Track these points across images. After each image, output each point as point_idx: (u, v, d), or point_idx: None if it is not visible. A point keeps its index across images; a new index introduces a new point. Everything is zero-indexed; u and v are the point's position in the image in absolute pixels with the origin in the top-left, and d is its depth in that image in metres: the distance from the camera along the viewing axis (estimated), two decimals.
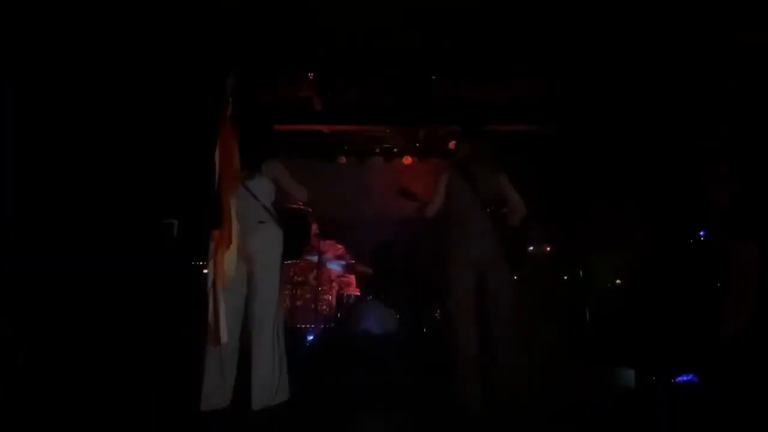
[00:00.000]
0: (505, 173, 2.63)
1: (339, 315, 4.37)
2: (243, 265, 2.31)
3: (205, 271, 1.76)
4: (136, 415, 2.02)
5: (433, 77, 4.55)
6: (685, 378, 2.06)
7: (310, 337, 4.14)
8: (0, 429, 1.69)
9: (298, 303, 4.97)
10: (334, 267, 4.99)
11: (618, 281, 3.57)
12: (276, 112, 4.85)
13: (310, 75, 4.44)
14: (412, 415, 2.30)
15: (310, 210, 5.79)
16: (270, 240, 2.36)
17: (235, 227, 1.63)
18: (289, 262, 3.49)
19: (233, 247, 1.62)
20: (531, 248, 3.91)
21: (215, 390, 2.12)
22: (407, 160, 5.85)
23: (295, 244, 2.63)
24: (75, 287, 3.09)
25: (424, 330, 4.08)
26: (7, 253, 2.82)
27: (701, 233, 2.91)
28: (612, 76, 3.87)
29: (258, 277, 2.29)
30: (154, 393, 2.22)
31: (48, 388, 2.21)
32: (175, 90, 3.84)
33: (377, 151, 5.90)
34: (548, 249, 4.04)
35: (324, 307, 4.75)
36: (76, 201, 3.47)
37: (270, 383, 2.26)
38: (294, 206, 5.82)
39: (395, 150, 5.90)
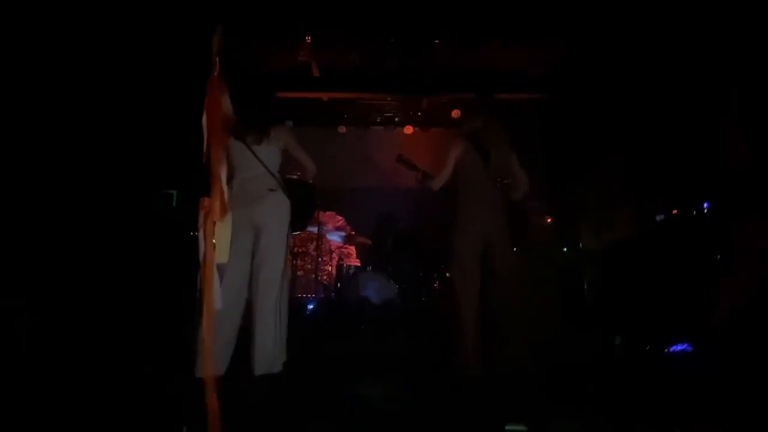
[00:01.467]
0: (515, 146, 2.60)
1: (339, 285, 4.39)
2: (249, 233, 2.30)
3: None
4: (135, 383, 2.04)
5: (437, 41, 4.37)
6: (679, 347, 2.07)
7: (310, 307, 4.18)
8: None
9: (300, 273, 5.01)
10: (335, 238, 5.00)
11: (616, 253, 3.54)
12: (272, 77, 4.71)
13: (308, 39, 4.27)
14: (408, 383, 2.33)
15: (311, 181, 5.73)
16: (279, 208, 2.33)
17: (226, 194, 1.57)
18: (294, 233, 3.50)
19: (228, 216, 1.57)
20: (532, 219, 3.85)
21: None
22: (409, 129, 5.72)
23: (301, 215, 2.58)
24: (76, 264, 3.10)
25: (423, 300, 4.10)
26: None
27: (705, 205, 2.85)
28: (622, 39, 3.69)
29: (265, 245, 2.27)
30: (154, 359, 2.26)
31: (50, 358, 2.24)
32: (164, 54, 3.69)
33: (378, 120, 5.76)
34: (549, 220, 3.99)
35: (324, 277, 4.78)
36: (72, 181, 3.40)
37: (272, 350, 2.25)
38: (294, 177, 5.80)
39: (397, 119, 5.76)
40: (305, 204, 2.59)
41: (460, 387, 2.25)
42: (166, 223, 4.26)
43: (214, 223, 1.53)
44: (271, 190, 2.31)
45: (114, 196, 3.85)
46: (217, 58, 1.59)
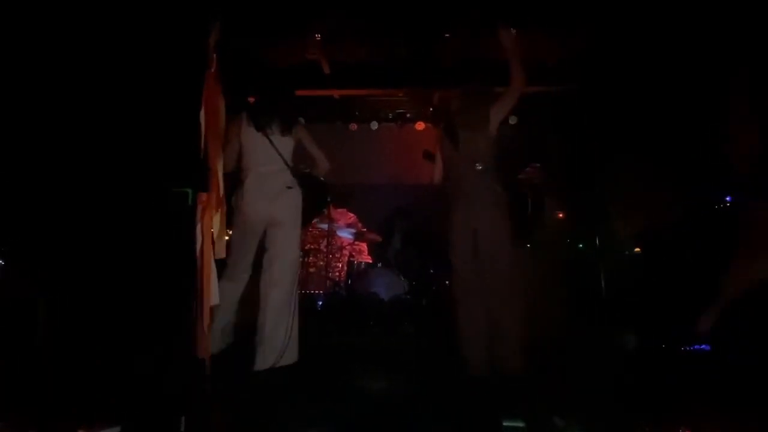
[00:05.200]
0: (494, 129, 2.38)
1: (349, 281, 4.41)
2: (261, 227, 2.34)
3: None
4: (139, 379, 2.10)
5: (447, 35, 4.31)
6: (696, 347, 1.98)
7: (321, 302, 4.21)
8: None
9: (311, 270, 5.05)
10: (346, 235, 5.01)
11: (636, 249, 3.42)
12: (282, 74, 4.74)
13: (317, 36, 4.27)
14: (415, 377, 2.32)
15: (322, 177, 5.75)
16: (294, 205, 2.38)
17: (221, 189, 1.59)
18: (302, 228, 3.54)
19: (221, 211, 1.59)
20: (543, 214, 3.77)
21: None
22: (420, 125, 5.67)
23: (312, 211, 2.62)
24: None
25: (432, 296, 4.07)
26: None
27: (727, 198, 2.73)
28: (640, 29, 3.56)
29: (279, 241, 2.33)
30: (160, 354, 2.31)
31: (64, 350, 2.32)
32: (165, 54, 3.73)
33: (389, 116, 5.74)
34: (560, 215, 3.90)
35: (335, 273, 4.80)
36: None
37: (281, 344, 2.28)
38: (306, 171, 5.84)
39: (408, 115, 5.73)
40: (317, 200, 2.63)
41: (464, 383, 2.22)
42: (181, 222, 4.35)
43: (212, 217, 1.56)
44: (289, 187, 2.35)
45: (129, 194, 3.94)
46: (214, 54, 1.62)
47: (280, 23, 3.94)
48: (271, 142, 2.32)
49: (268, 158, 2.32)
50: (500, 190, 2.36)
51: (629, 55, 3.77)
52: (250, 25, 3.70)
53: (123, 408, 1.74)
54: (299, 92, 5.03)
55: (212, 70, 1.63)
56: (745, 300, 1.44)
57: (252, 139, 2.33)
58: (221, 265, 2.26)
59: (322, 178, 2.63)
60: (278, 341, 2.28)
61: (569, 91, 4.65)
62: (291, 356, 2.34)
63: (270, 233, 2.36)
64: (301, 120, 5.33)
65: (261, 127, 2.32)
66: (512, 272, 2.30)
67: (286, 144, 2.37)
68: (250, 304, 2.44)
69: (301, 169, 2.50)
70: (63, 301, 2.60)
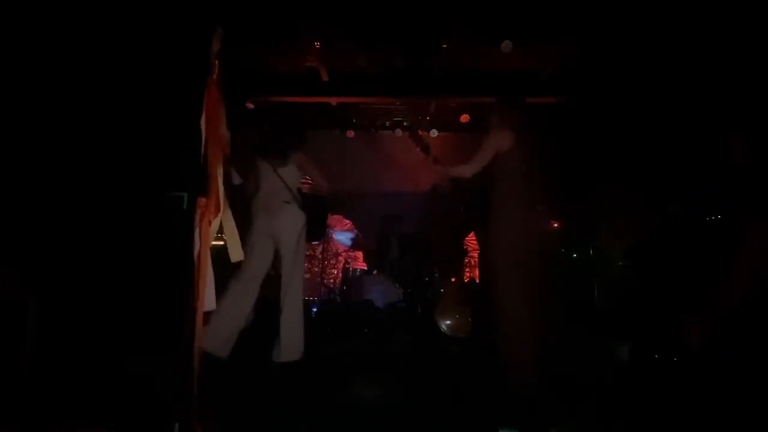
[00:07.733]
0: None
1: (344, 288, 4.40)
2: (269, 239, 2.70)
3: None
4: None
5: (444, 45, 4.36)
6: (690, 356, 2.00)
7: (316, 309, 4.20)
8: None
9: (306, 276, 5.04)
10: (342, 241, 5.01)
11: (627, 259, 3.46)
12: (280, 82, 4.77)
13: (316, 44, 4.31)
14: (410, 385, 2.32)
15: (322, 195, 5.77)
16: (293, 218, 2.69)
17: (222, 195, 1.60)
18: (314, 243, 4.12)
19: (221, 216, 1.59)
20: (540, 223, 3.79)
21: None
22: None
23: (315, 226, 2.94)
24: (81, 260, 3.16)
25: (427, 303, 4.06)
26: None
27: (717, 211, 2.77)
28: (627, 41, 3.63)
29: (283, 250, 2.67)
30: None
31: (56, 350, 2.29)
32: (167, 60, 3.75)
33: (387, 124, 5.77)
34: (555, 225, 3.93)
35: (330, 280, 4.80)
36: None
37: (290, 341, 2.61)
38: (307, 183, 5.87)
39: (405, 123, 5.76)
40: (318, 216, 2.94)
41: (460, 390, 2.22)
42: (176, 226, 4.32)
43: (210, 222, 1.56)
44: (286, 202, 2.68)
45: (124, 198, 3.92)
46: (216, 61, 1.63)
47: (280, 31, 3.96)
48: (274, 167, 2.71)
49: (270, 179, 2.71)
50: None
51: (622, 67, 3.84)
52: (250, 32, 3.73)
53: (115, 412, 1.72)
54: (296, 99, 5.09)
55: (214, 76, 1.63)
56: (738, 310, 1.47)
57: (261, 164, 2.78)
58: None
59: (321, 196, 2.99)
60: (286, 339, 2.60)
61: (562, 102, 4.72)
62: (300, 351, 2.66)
63: (276, 244, 2.69)
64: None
65: (266, 157, 2.77)
66: (543, 279, 2.39)
67: (288, 167, 2.73)
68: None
69: (300, 189, 2.83)
70: (55, 303, 2.58)
